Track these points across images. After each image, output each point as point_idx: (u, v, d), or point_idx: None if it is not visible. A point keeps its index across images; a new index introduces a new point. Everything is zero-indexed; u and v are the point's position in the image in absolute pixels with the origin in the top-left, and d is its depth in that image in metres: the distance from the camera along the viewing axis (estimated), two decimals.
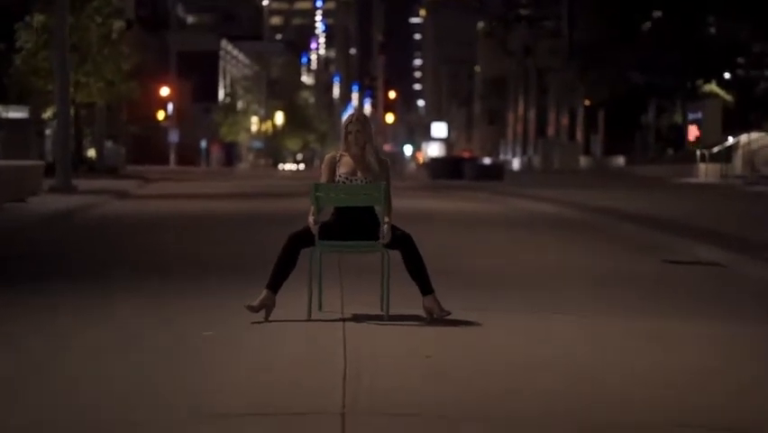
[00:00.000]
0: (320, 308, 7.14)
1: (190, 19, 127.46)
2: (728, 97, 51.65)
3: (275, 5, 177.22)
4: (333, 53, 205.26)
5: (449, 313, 6.94)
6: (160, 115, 76.08)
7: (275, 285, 6.93)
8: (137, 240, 13.86)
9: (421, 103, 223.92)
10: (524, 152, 77.66)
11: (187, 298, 8.05)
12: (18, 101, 40.06)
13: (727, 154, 38.52)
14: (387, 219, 6.98)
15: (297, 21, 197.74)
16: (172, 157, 74.34)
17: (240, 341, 6.28)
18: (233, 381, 5.25)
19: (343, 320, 6.93)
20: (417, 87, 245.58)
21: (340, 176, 7.11)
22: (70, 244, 13.30)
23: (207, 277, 9.41)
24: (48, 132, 42.21)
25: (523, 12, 72.80)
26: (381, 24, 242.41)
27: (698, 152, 40.29)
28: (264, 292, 6.92)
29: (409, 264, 6.96)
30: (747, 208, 20.05)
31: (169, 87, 75.88)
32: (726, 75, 53.90)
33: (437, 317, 6.92)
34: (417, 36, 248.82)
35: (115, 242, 13.67)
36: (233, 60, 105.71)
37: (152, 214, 18.98)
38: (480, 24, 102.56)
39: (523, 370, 5.58)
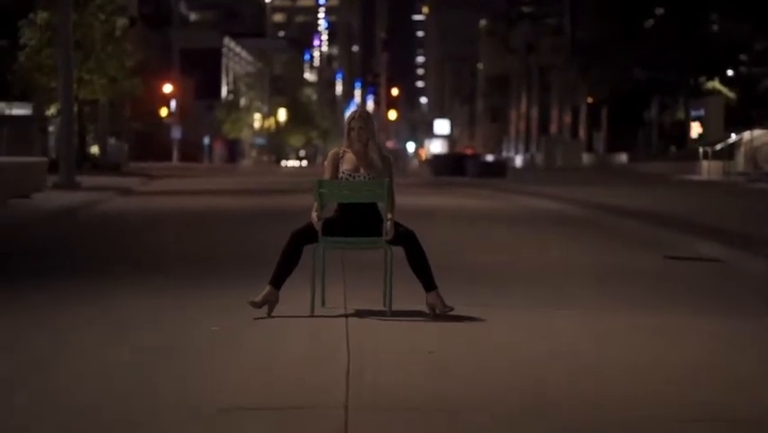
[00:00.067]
0: (323, 304, 7.17)
1: (193, 16, 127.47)
2: (731, 95, 51.62)
3: (278, 2, 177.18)
4: (335, 50, 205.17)
5: (452, 309, 6.97)
6: (163, 111, 76.09)
7: (278, 281, 6.96)
8: (140, 237, 13.90)
9: (424, 100, 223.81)
10: (526, 150, 77.64)
11: (189, 294, 8.08)
12: (22, 98, 40.11)
13: (730, 151, 38.50)
14: (390, 216, 7.01)
15: (299, 18, 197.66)
16: (175, 154, 74.37)
17: (243, 337, 6.31)
18: (236, 376, 5.27)
19: (346, 316, 6.96)
20: (420, 84, 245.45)
21: (343, 173, 7.14)
22: (74, 240, 13.34)
23: (210, 274, 9.44)
24: (51, 128, 42.24)
25: (525, 9, 72.77)
26: (384, 21, 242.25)
27: (700, 150, 40.28)
28: (267, 288, 6.95)
29: (412, 260, 7.00)
30: (749, 205, 20.05)
31: (172, 84, 75.92)
32: (729, 72, 53.86)
33: (440, 313, 6.95)
34: (420, 33, 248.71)
35: (118, 239, 13.71)
36: (236, 57, 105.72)
37: (156, 210, 19.02)
38: (483, 22, 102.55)
39: (526, 365, 5.61)
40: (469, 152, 67.86)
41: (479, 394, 4.97)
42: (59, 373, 5.36)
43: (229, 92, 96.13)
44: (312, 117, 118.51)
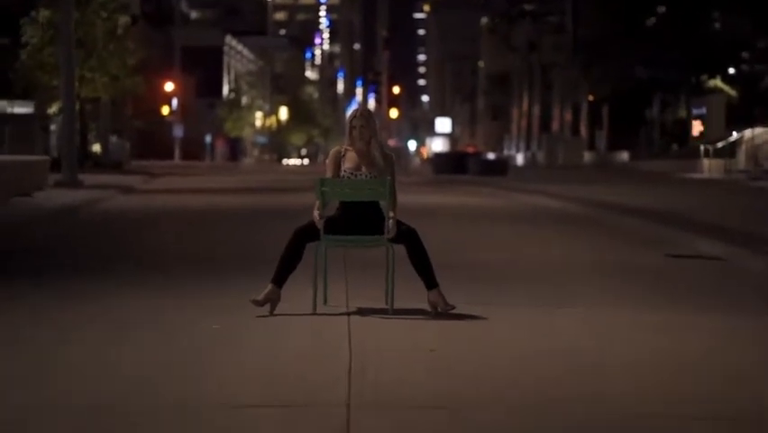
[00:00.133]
0: (325, 302, 7.19)
1: (194, 14, 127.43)
2: (733, 92, 51.60)
3: (279, 0, 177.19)
4: (337, 48, 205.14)
5: (454, 307, 6.99)
6: (165, 110, 76.10)
7: (280, 279, 6.98)
8: (142, 235, 13.92)
9: (425, 98, 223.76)
10: (528, 148, 77.61)
11: (191, 293, 8.10)
12: (23, 96, 40.13)
13: (731, 149, 38.50)
14: (392, 214, 7.03)
15: (300, 16, 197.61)
16: (177, 152, 74.38)
17: (244, 335, 6.33)
18: (238, 374, 5.29)
19: (348, 314, 6.98)
20: (422, 82, 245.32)
21: (345, 171, 7.16)
22: (75, 238, 13.37)
23: (212, 272, 9.46)
24: (53, 127, 42.26)
25: (527, 7, 72.71)
26: (385, 20, 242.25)
27: (702, 148, 40.28)
28: (269, 286, 6.97)
29: (414, 259, 7.01)
30: (750, 203, 20.07)
31: (174, 82, 75.92)
32: (731, 70, 53.84)
33: (442, 311, 6.97)
34: (421, 31, 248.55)
35: (120, 237, 13.73)
36: (238, 56, 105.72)
37: (158, 209, 19.04)
38: (484, 20, 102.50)
39: (527, 363, 5.63)
40: (470, 150, 67.87)
41: (480, 392, 4.99)
42: (60, 372, 5.36)
43: (230, 90, 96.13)
44: (313, 116, 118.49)
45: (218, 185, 30.65)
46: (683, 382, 5.26)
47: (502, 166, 42.57)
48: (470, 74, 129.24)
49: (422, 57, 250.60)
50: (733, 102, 48.36)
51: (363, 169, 7.13)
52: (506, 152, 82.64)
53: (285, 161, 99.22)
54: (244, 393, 4.91)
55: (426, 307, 7.04)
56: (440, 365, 5.55)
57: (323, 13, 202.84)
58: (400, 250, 7.03)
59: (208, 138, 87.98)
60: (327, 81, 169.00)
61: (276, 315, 6.90)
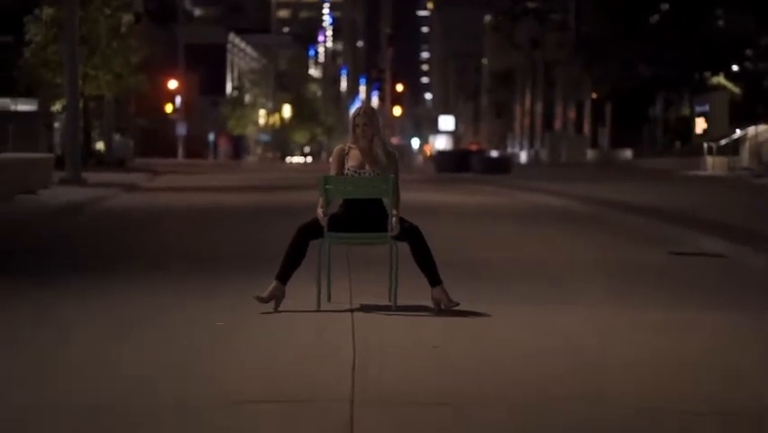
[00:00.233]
0: (329, 299, 7.22)
1: (197, 12, 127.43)
2: (736, 90, 51.56)
3: None
4: (340, 46, 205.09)
5: (457, 304, 7.01)
6: (168, 107, 76.11)
7: (284, 276, 7.01)
8: (146, 233, 13.95)
9: (428, 96, 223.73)
10: (531, 146, 77.59)
11: (194, 290, 8.12)
12: (27, 94, 40.15)
13: (735, 147, 38.48)
14: (395, 212, 7.06)
15: (304, 13, 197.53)
16: (180, 150, 74.39)
17: (249, 332, 6.36)
18: (242, 370, 5.32)
19: (352, 311, 7.01)
20: (425, 80, 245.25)
21: (348, 169, 7.18)
22: (79, 236, 13.41)
23: (215, 270, 9.49)
24: (56, 124, 42.30)
25: (530, 5, 72.68)
26: (389, 17, 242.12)
27: (705, 145, 40.26)
28: (273, 283, 7.00)
29: (417, 256, 7.04)
30: (753, 201, 20.07)
31: (177, 80, 75.91)
32: (735, 67, 53.78)
33: (445, 308, 6.99)
34: (425, 29, 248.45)
35: (124, 235, 13.76)
36: (241, 53, 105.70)
37: (161, 207, 19.07)
38: (488, 18, 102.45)
39: (530, 361, 5.66)
40: (473, 148, 67.87)
41: (483, 389, 5.02)
42: (61, 371, 5.35)
43: (234, 88, 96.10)
44: (316, 114, 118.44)
45: (221, 183, 30.68)
46: (685, 381, 5.28)
47: (505, 164, 42.56)
48: (474, 72, 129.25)
49: (425, 54, 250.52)
50: (736, 99, 48.31)
51: (367, 167, 7.16)
52: (509, 150, 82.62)
53: (288, 159, 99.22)
54: (248, 389, 4.94)
55: (430, 304, 7.06)
56: (443, 362, 5.58)
57: (326, 10, 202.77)
58: (403, 247, 7.05)
59: (211, 136, 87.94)
60: (330, 79, 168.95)
61: (280, 312, 6.93)
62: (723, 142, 38.97)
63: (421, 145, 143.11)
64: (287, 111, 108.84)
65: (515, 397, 4.89)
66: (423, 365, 5.48)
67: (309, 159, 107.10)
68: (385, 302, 7.17)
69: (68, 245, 12.12)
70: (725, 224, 13.42)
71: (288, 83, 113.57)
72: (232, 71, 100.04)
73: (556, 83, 72.16)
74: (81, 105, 31.72)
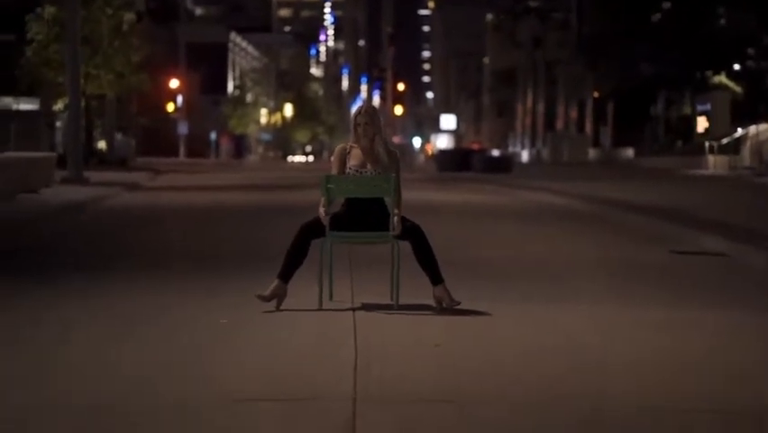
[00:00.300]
0: (331, 297, 7.24)
1: (199, 11, 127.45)
2: (738, 89, 51.55)
3: None
4: (341, 45, 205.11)
5: (459, 303, 7.02)
6: (170, 107, 76.13)
7: (286, 275, 7.02)
8: (148, 232, 13.96)
9: (430, 95, 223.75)
10: (533, 145, 77.60)
11: (197, 289, 8.14)
12: (29, 93, 40.17)
13: (736, 146, 38.49)
14: (396, 211, 7.07)
15: (305, 12, 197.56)
16: (182, 149, 74.39)
17: (251, 330, 6.37)
18: (244, 369, 5.33)
19: (354, 310, 7.02)
20: (426, 79, 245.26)
21: (350, 168, 7.20)
22: (81, 235, 13.43)
23: (218, 268, 9.50)
24: (58, 123, 42.31)
25: (531, 4, 72.70)
26: (390, 16, 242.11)
27: (706, 144, 40.26)
28: (275, 282, 7.01)
29: (419, 254, 7.05)
30: (754, 199, 20.08)
31: (179, 79, 75.92)
32: (736, 66, 53.77)
33: (447, 307, 7.01)
34: (426, 28, 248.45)
35: (126, 234, 13.77)
36: (242, 52, 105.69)
37: (163, 206, 19.09)
38: (489, 16, 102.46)
39: (531, 359, 5.67)
40: (475, 147, 67.91)
41: (484, 388, 5.03)
42: (61, 371, 5.35)
43: (235, 87, 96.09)
44: (318, 113, 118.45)
45: (223, 182, 30.70)
46: (686, 380, 5.29)
47: (507, 163, 42.58)
48: (475, 71, 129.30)
49: (427, 53, 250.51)
50: (738, 98, 48.32)
51: (368, 166, 7.17)
52: (511, 149, 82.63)
53: (290, 159, 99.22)
54: (250, 387, 4.95)
55: (431, 302, 7.08)
56: (445, 361, 5.59)
57: (327, 9, 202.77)
58: (405, 246, 7.07)
59: (213, 135, 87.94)
60: (332, 78, 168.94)
61: (282, 310, 6.95)
62: (724, 141, 38.97)
63: (422, 144, 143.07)
64: (288, 110, 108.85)
65: (516, 395, 4.90)
66: (424, 364, 5.49)
67: (311, 158, 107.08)
68: (387, 301, 7.18)
69: (69, 244, 12.13)
70: (726, 223, 13.42)
71: (289, 82, 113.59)
72: (233, 70, 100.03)
73: (558, 82, 72.17)
74: (83, 104, 31.72)
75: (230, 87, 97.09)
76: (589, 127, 67.62)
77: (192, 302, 7.43)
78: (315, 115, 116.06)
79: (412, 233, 7.05)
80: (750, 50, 54.51)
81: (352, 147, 7.26)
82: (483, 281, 8.64)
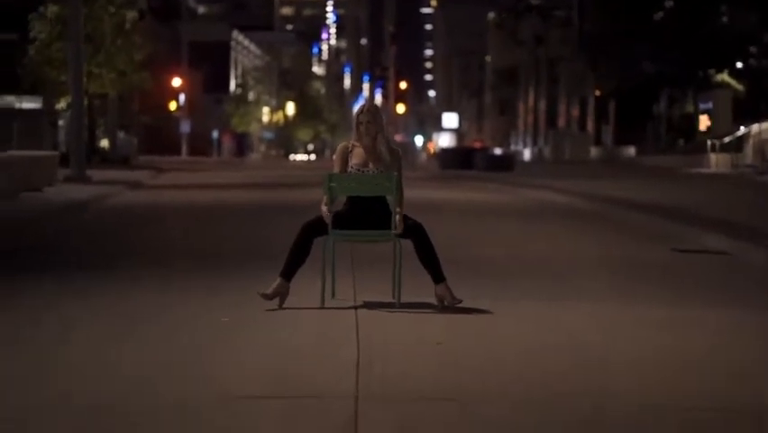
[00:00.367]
0: (333, 295, 7.25)
1: (201, 9, 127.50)
2: (740, 87, 51.52)
3: None
4: (344, 43, 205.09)
5: (460, 301, 7.04)
6: (172, 105, 76.14)
7: (288, 273, 7.04)
8: (150, 230, 13.98)
9: (432, 93, 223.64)
10: (534, 143, 77.61)
11: (199, 287, 8.16)
12: (32, 92, 40.18)
13: (738, 144, 38.45)
14: (398, 209, 7.09)
15: (307, 11, 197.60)
16: (184, 147, 74.42)
17: (253, 328, 6.39)
18: (246, 366, 5.35)
19: (356, 308, 7.04)
20: (428, 77, 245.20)
21: (352, 167, 7.21)
22: (84, 233, 13.45)
23: (220, 267, 9.52)
24: (61, 122, 42.33)
25: (533, 2, 72.69)
26: (392, 15, 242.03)
27: (708, 142, 40.24)
28: (278, 280, 7.03)
29: (421, 253, 7.07)
30: (756, 198, 20.09)
31: (181, 77, 75.90)
32: (738, 64, 53.74)
33: (449, 305, 7.02)
34: (428, 26, 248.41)
35: (129, 232, 13.79)
36: (245, 51, 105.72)
37: (165, 204, 19.11)
38: (491, 15, 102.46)
39: (533, 357, 5.68)
40: (477, 145, 67.93)
41: (486, 386, 5.04)
42: (61, 370, 5.35)
43: (237, 86, 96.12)
44: (320, 111, 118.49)
45: (225, 180, 30.71)
46: (688, 378, 5.30)
47: (509, 161, 42.58)
48: (477, 69, 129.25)
49: (429, 52, 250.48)
50: (740, 97, 48.29)
51: (370, 164, 7.19)
52: (512, 148, 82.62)
53: (292, 157, 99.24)
54: (253, 385, 4.96)
55: (433, 301, 7.09)
56: (446, 359, 5.61)
57: (330, 8, 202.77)
58: (407, 244, 7.08)
59: (215, 134, 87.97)
60: (334, 76, 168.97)
61: (284, 308, 6.96)
62: (726, 139, 38.94)
63: (424, 143, 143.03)
64: (290, 108, 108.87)
65: (518, 393, 4.91)
66: (426, 362, 5.51)
67: (313, 156, 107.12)
68: (389, 299, 7.20)
69: (72, 243, 12.15)
70: (728, 221, 13.43)
71: (291, 80, 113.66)
72: (235, 69, 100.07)
73: (560, 80, 72.18)
74: (85, 103, 31.75)
75: (232, 85, 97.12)
76: (590, 126, 67.63)
77: (194, 301, 7.45)
78: (317, 114, 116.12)
79: (414, 231, 7.07)
80: (752, 49, 54.46)
81: (354, 145, 7.27)
82: (485, 280, 8.65)
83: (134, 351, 5.75)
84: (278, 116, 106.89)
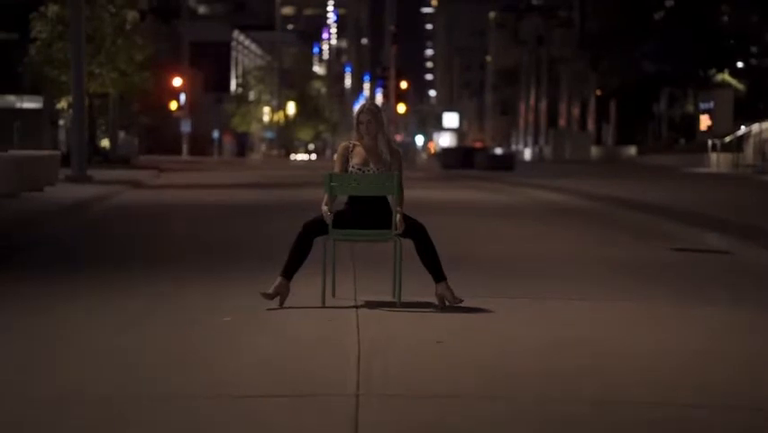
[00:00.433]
0: (333, 295, 7.27)
1: (202, 9, 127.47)
2: (741, 87, 51.52)
3: None
4: (344, 43, 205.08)
5: (461, 300, 7.05)
6: (173, 105, 76.16)
7: (289, 273, 7.05)
8: (151, 230, 13.99)
9: (433, 93, 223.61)
10: (535, 143, 77.62)
11: (201, 285, 8.17)
12: (33, 91, 40.22)
13: (739, 144, 38.46)
14: (399, 209, 7.10)
15: (308, 11, 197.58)
16: (184, 147, 74.46)
17: (255, 327, 6.40)
18: (248, 365, 5.36)
19: (357, 307, 7.05)
20: (429, 77, 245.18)
21: (353, 166, 7.22)
22: (85, 234, 13.46)
23: (221, 265, 9.53)
24: (61, 122, 42.35)
25: (534, 1, 72.70)
26: (393, 14, 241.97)
27: (709, 142, 40.25)
28: (279, 280, 7.04)
29: (422, 252, 7.09)
30: (757, 197, 20.09)
31: (182, 77, 75.91)
32: (739, 64, 53.74)
33: (449, 305, 7.04)
34: (429, 26, 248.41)
35: (130, 232, 13.81)
36: (245, 51, 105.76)
37: (167, 204, 19.13)
38: (492, 14, 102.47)
39: (534, 355, 5.70)
40: (478, 145, 67.93)
41: (486, 384, 5.06)
42: (63, 365, 5.39)
43: (238, 85, 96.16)
44: (321, 111, 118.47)
45: (226, 180, 30.73)
46: (688, 376, 5.32)
47: (509, 161, 42.62)
48: (478, 68, 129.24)
49: (429, 52, 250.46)
50: (741, 96, 48.29)
51: (371, 164, 7.20)
52: (513, 147, 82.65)
53: (292, 157, 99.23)
54: (255, 383, 4.98)
55: (434, 300, 7.11)
56: (447, 358, 5.62)
57: (330, 8, 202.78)
58: (409, 244, 7.10)
59: (216, 133, 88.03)
60: (335, 76, 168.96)
61: (285, 308, 6.98)
62: (727, 139, 38.94)
63: (425, 142, 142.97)
64: (291, 108, 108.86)
65: (518, 391, 4.93)
66: (427, 361, 5.52)
67: (313, 156, 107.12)
68: (389, 298, 7.21)
69: (73, 243, 12.16)
70: (729, 220, 13.45)
71: (292, 80, 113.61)
72: (236, 68, 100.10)
73: (561, 80, 72.19)
74: (86, 102, 31.77)
75: (233, 85, 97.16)
76: (591, 125, 67.64)
77: (195, 299, 7.46)
78: (317, 114, 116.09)
79: (415, 231, 7.08)
80: (753, 48, 54.49)
81: (354, 145, 7.28)
82: (487, 279, 8.67)
83: (135, 348, 5.77)
84: (279, 116, 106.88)
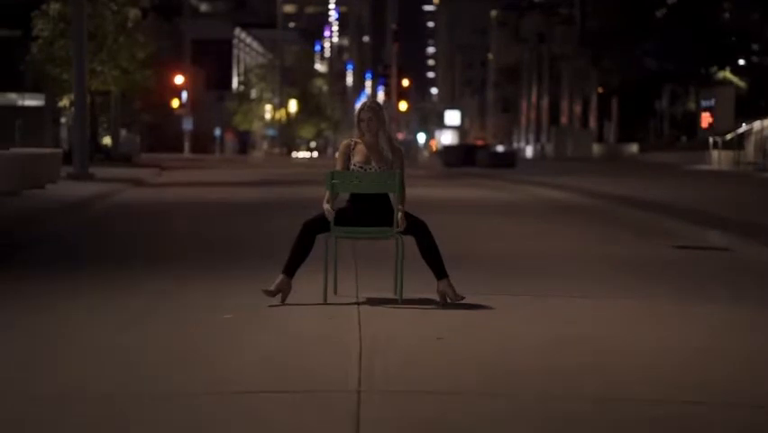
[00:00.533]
0: (335, 292, 7.28)
1: (204, 7, 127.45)
2: (742, 84, 51.49)
3: None
4: (346, 41, 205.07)
5: (463, 298, 7.06)
6: (175, 103, 76.15)
7: (291, 270, 7.06)
8: (152, 228, 14.00)
9: (434, 91, 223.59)
10: (537, 140, 77.57)
11: (202, 283, 8.18)
12: (34, 89, 40.21)
13: (740, 141, 38.43)
14: (400, 207, 7.11)
15: (310, 9, 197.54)
16: (186, 145, 74.45)
17: (256, 324, 6.42)
18: (250, 362, 5.38)
19: (358, 304, 7.06)
20: (431, 74, 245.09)
21: (354, 164, 7.23)
22: (87, 231, 13.48)
23: (223, 263, 9.55)
24: (63, 120, 42.35)
25: None
26: (395, 12, 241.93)
27: (711, 139, 40.24)
28: (280, 277, 7.05)
29: (424, 250, 7.10)
30: (759, 194, 20.08)
31: (184, 75, 75.90)
32: (741, 61, 53.71)
33: (451, 302, 7.05)
34: (431, 24, 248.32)
35: (132, 230, 13.82)
36: (247, 48, 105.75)
37: (169, 202, 19.14)
38: (494, 12, 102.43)
39: (534, 352, 5.71)
40: (479, 143, 67.90)
41: (488, 381, 5.07)
42: (65, 362, 5.40)
43: (240, 83, 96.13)
44: (323, 109, 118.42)
45: (228, 178, 30.73)
46: (689, 373, 5.33)
47: (511, 158, 42.60)
48: (480, 66, 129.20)
49: (431, 49, 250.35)
50: (742, 93, 48.27)
51: (373, 162, 7.21)
52: (515, 145, 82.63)
53: (294, 154, 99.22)
54: (257, 380, 5.00)
55: (436, 297, 7.12)
56: (448, 354, 5.63)
57: (332, 5, 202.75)
58: (410, 241, 7.11)
59: (218, 131, 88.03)
60: (336, 74, 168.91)
61: (287, 304, 6.99)
62: (728, 136, 38.91)
63: (427, 140, 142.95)
64: (293, 106, 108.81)
65: (519, 388, 4.94)
66: (428, 357, 5.53)
67: (315, 154, 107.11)
68: (391, 296, 7.22)
69: (75, 241, 12.18)
70: (730, 218, 13.45)
71: (294, 78, 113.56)
72: (238, 66, 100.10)
73: (562, 77, 72.14)
74: (88, 100, 31.77)
75: (234, 83, 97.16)
76: (593, 122, 67.60)
77: (197, 297, 7.48)
78: (319, 111, 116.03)
79: (416, 228, 7.09)
80: (754, 46, 54.45)
81: (356, 143, 7.29)
82: (488, 276, 8.68)
83: (136, 345, 5.78)
84: (281, 114, 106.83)
